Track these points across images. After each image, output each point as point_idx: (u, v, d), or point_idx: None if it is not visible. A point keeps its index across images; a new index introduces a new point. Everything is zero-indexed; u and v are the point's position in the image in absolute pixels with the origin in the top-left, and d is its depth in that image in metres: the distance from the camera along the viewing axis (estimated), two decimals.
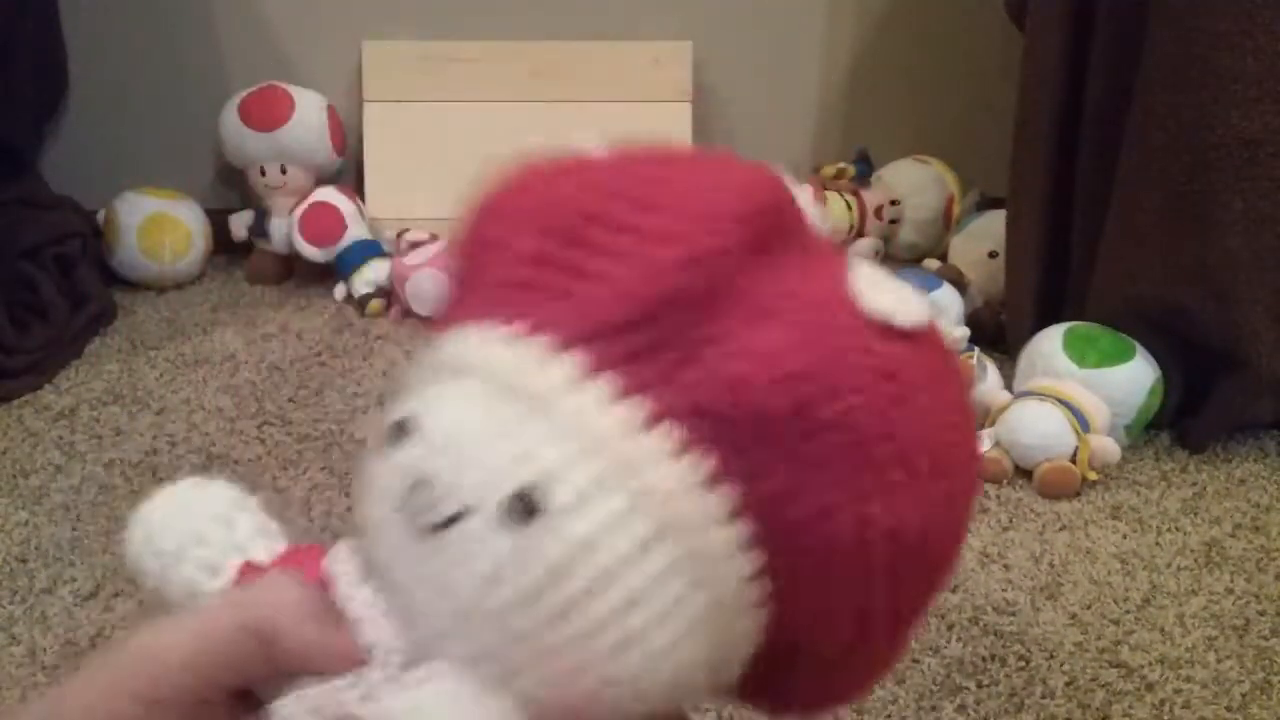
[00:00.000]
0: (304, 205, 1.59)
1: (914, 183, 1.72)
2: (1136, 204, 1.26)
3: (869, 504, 0.29)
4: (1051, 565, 1.08)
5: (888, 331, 0.30)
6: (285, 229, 1.61)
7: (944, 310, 1.39)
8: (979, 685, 0.93)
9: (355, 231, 1.59)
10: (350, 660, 0.30)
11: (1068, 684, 0.94)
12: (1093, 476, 1.19)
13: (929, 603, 0.33)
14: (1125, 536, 1.12)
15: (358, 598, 0.31)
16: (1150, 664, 0.96)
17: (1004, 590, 1.04)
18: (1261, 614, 1.03)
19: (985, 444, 1.20)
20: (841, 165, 1.70)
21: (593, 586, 0.29)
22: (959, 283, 1.53)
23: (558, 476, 0.29)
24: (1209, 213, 1.21)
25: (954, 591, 1.03)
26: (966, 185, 1.73)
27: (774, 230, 0.32)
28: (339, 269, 1.59)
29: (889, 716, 0.89)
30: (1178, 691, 0.93)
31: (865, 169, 1.73)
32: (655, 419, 0.29)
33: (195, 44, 1.66)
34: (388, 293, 1.56)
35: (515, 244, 0.33)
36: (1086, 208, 1.34)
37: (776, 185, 0.34)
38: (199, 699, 0.30)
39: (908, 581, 0.31)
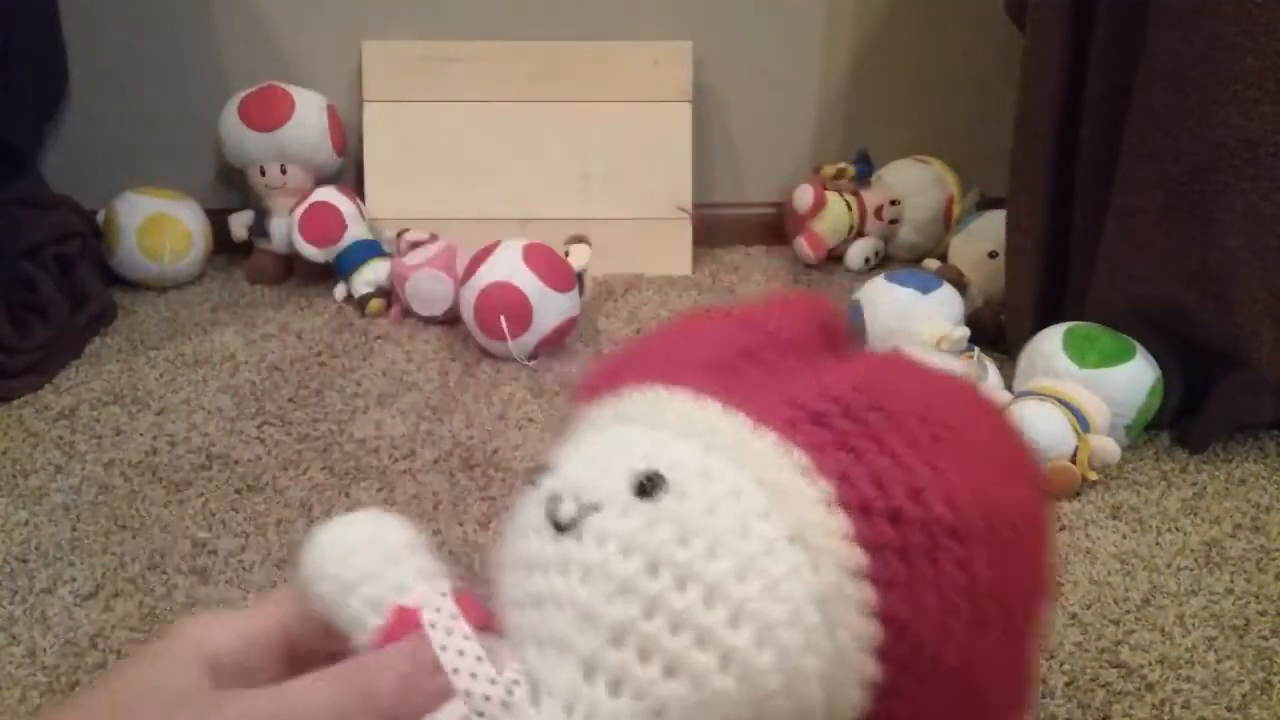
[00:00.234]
0: (304, 205, 1.59)
1: (914, 183, 1.73)
2: (1136, 204, 1.26)
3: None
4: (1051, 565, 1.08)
5: None
6: (285, 229, 1.61)
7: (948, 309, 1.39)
8: None
9: (355, 231, 1.59)
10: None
11: (1068, 684, 0.94)
12: (1093, 476, 1.19)
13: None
14: (1125, 536, 1.12)
15: (451, 646, 0.33)
16: (1150, 664, 0.96)
17: None
18: (1261, 614, 1.03)
19: None
20: (841, 165, 1.71)
21: (712, 550, 0.31)
22: (959, 283, 1.53)
23: (680, 461, 0.32)
24: (1209, 213, 1.21)
25: None
26: (966, 185, 1.73)
27: None
28: (339, 269, 1.59)
29: None
30: (1178, 691, 0.93)
31: (865, 169, 1.73)
32: (773, 435, 0.33)
33: (195, 44, 1.66)
34: (388, 293, 1.57)
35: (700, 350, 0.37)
36: (1086, 208, 1.34)
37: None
38: None
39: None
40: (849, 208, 1.70)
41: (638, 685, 0.31)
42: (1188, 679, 0.95)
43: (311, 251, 1.58)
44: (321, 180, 1.65)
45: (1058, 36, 1.29)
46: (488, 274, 1.41)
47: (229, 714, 0.31)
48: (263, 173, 1.61)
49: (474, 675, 0.32)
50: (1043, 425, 1.18)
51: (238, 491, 1.19)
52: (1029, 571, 0.33)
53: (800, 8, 1.70)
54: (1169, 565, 1.09)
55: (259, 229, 1.64)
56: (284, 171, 1.61)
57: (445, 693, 0.32)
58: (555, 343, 1.45)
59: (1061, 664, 0.96)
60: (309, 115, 1.60)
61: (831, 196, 1.69)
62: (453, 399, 1.36)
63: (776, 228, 1.77)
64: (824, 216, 1.69)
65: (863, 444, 0.32)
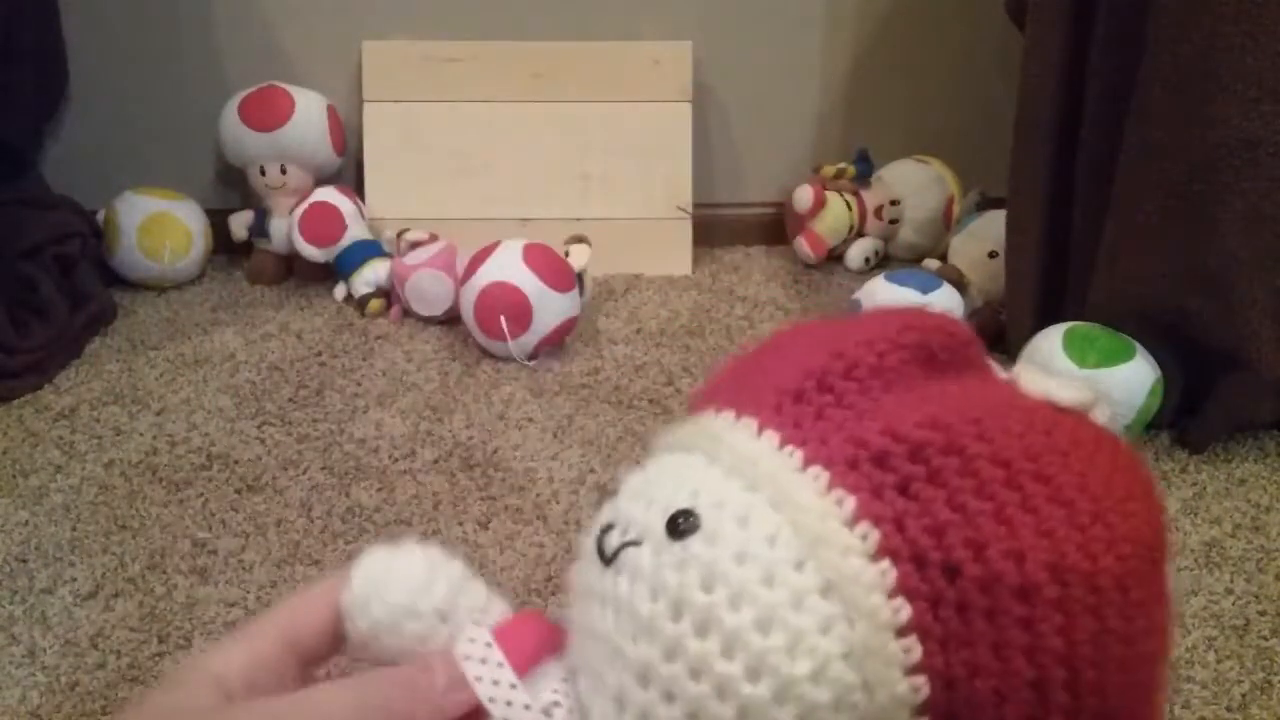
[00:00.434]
0: (304, 205, 1.59)
1: (914, 183, 1.72)
2: (1136, 204, 1.26)
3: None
4: None
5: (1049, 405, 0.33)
6: (285, 229, 1.61)
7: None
8: None
9: (355, 231, 1.59)
10: None
11: None
12: None
13: None
14: None
15: (486, 676, 0.33)
16: None
17: None
18: (1261, 614, 1.03)
19: None
20: (841, 165, 1.70)
21: (735, 599, 0.30)
22: (959, 283, 1.53)
23: (716, 500, 0.32)
24: (1209, 213, 1.21)
25: None
26: (966, 185, 1.73)
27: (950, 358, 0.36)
28: (339, 269, 1.59)
29: None
30: (1177, 691, 0.93)
31: (865, 169, 1.73)
32: (825, 476, 0.32)
33: (195, 44, 1.66)
34: (388, 293, 1.57)
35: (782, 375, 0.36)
36: (1086, 208, 1.34)
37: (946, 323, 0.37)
38: None
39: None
40: (849, 208, 1.70)
41: None
42: (1188, 679, 0.95)
43: (311, 251, 1.58)
44: (321, 180, 1.65)
45: (1058, 36, 1.29)
46: (488, 274, 1.41)
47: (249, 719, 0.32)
48: (263, 173, 1.61)
49: (509, 703, 0.32)
50: None
51: (238, 491, 1.19)
52: (1118, 639, 0.31)
53: (800, 8, 1.70)
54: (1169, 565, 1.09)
55: (259, 229, 1.64)
56: (284, 171, 1.61)
57: (470, 706, 0.33)
58: (555, 343, 1.45)
59: None
60: (309, 115, 1.60)
61: (831, 196, 1.69)
62: (453, 399, 1.36)
63: (776, 228, 1.77)
64: (824, 216, 1.69)
65: (926, 490, 0.31)
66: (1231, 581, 1.07)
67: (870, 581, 0.30)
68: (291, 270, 1.65)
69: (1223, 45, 1.15)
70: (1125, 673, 0.31)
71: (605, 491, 0.33)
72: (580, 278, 1.46)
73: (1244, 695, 0.94)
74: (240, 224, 1.66)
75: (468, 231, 1.56)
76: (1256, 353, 1.24)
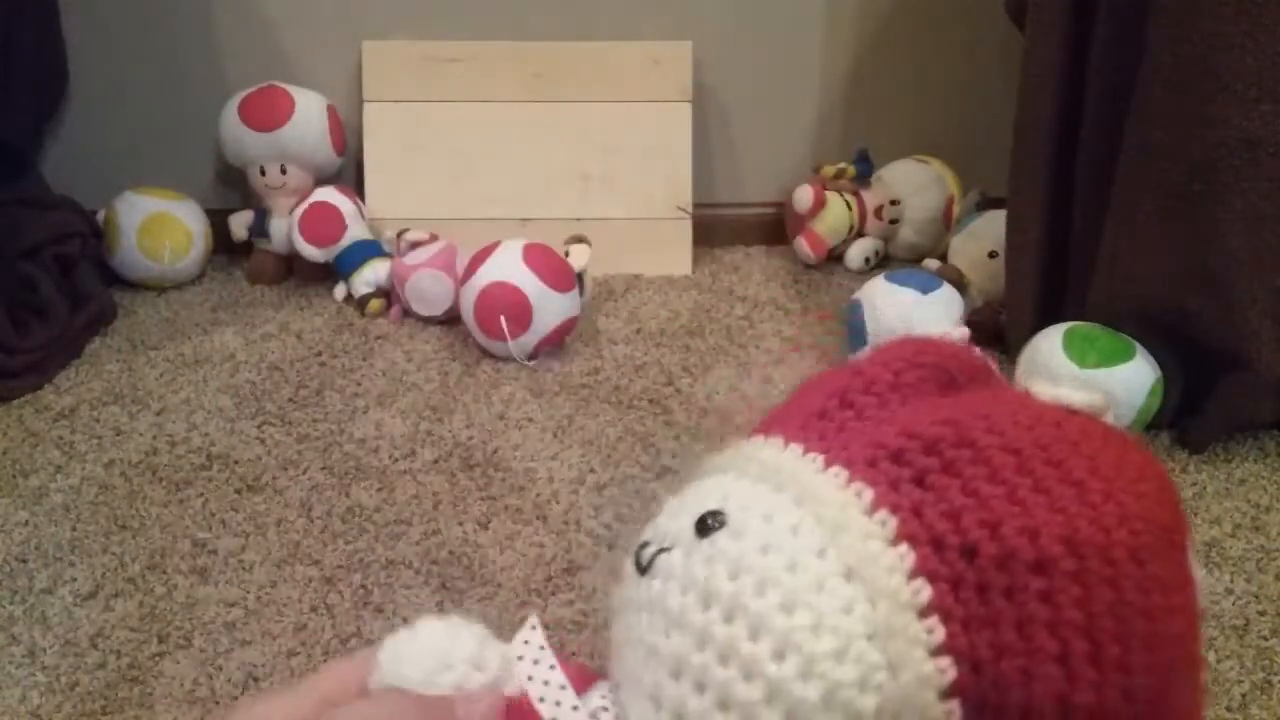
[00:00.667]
0: (304, 205, 1.59)
1: (914, 183, 1.72)
2: (1136, 204, 1.26)
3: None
4: None
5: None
6: (285, 229, 1.61)
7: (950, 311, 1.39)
8: None
9: (355, 231, 1.59)
10: None
11: None
12: None
13: None
14: None
15: (537, 676, 0.35)
16: None
17: None
18: (1261, 614, 1.03)
19: None
20: (841, 165, 1.70)
21: (761, 585, 0.31)
22: (959, 283, 1.53)
23: (743, 502, 0.33)
24: (1209, 213, 1.21)
25: None
26: (966, 185, 1.73)
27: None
28: (339, 269, 1.59)
29: None
30: None
31: (865, 169, 1.73)
32: (844, 474, 0.33)
33: (195, 44, 1.66)
34: (388, 293, 1.57)
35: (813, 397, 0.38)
36: (1086, 208, 1.34)
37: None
38: None
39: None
40: (849, 208, 1.70)
41: (696, 718, 0.31)
42: None
43: (311, 251, 1.58)
44: (321, 180, 1.65)
45: (1058, 36, 1.29)
46: (488, 274, 1.41)
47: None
48: (263, 173, 1.61)
49: (558, 703, 0.33)
50: None
51: (238, 491, 1.19)
52: (1138, 613, 0.31)
53: (800, 8, 1.70)
54: None
55: (259, 229, 1.64)
56: (284, 171, 1.61)
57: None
58: (555, 343, 1.45)
59: None
60: (309, 115, 1.60)
61: (831, 196, 1.69)
62: (453, 399, 1.36)
63: (776, 228, 1.77)
64: (824, 216, 1.69)
65: (941, 479, 0.32)
66: (1231, 581, 1.07)
67: (890, 564, 0.31)
68: (291, 270, 1.65)
69: (1223, 45, 1.15)
70: (1150, 650, 0.31)
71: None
72: (580, 278, 1.46)
73: (1244, 695, 0.94)
74: (240, 224, 1.66)
75: (468, 231, 1.56)
76: (1256, 353, 1.24)
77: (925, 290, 1.39)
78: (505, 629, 0.37)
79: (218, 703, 0.93)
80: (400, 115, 1.68)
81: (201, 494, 1.19)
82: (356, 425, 1.30)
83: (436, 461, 1.24)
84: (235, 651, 0.98)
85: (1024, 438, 0.33)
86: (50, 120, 1.65)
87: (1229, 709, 0.92)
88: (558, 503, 1.17)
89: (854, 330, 1.42)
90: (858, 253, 1.71)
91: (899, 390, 0.36)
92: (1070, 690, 0.30)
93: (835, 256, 1.73)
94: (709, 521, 0.33)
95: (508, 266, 1.40)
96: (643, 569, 0.34)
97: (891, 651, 0.31)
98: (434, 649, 0.37)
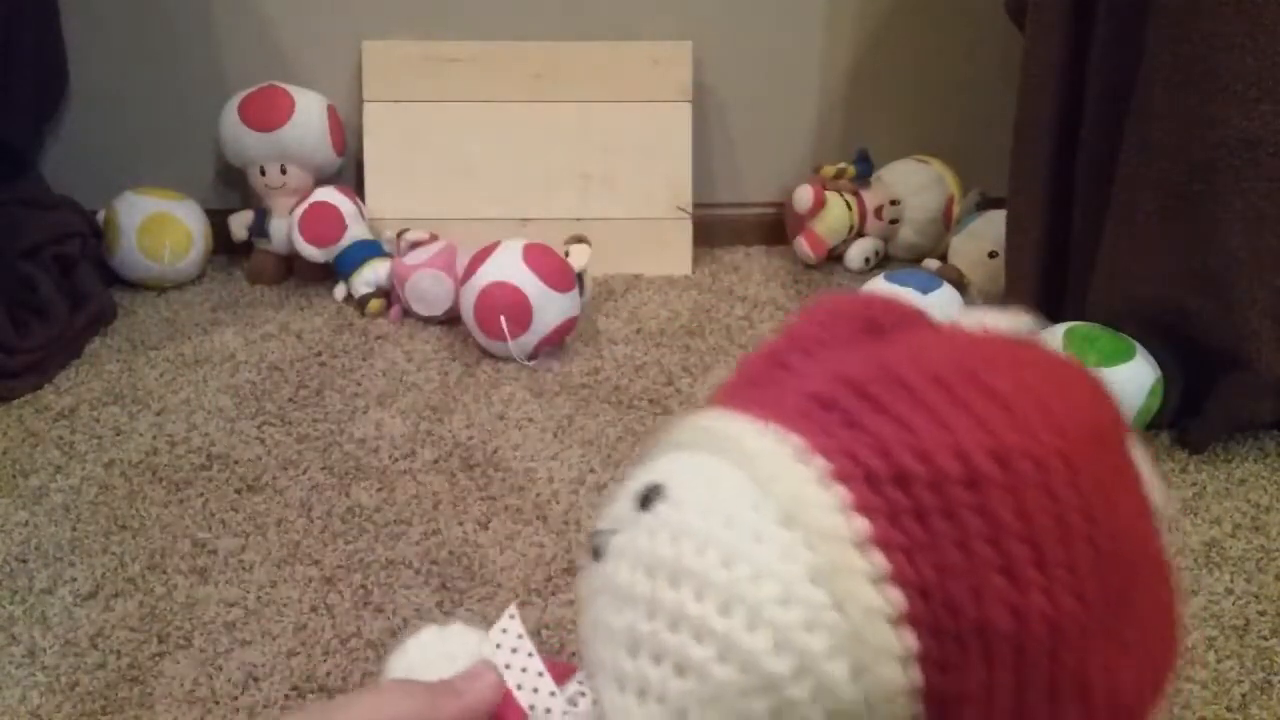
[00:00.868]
0: (304, 205, 1.59)
1: (914, 183, 1.72)
2: (1136, 204, 1.26)
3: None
4: None
5: None
6: (285, 229, 1.61)
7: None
8: None
9: (355, 231, 1.59)
10: None
11: None
12: None
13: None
14: None
15: (515, 664, 0.36)
16: None
17: None
18: (1261, 614, 1.03)
19: None
20: (841, 165, 1.71)
21: (701, 546, 0.32)
22: (959, 283, 1.53)
23: (678, 471, 0.34)
24: (1209, 213, 1.21)
25: None
26: (966, 185, 1.73)
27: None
28: (339, 269, 1.59)
29: None
30: (1178, 691, 0.93)
31: (865, 169, 1.73)
32: (776, 427, 0.33)
33: (195, 44, 1.66)
34: (388, 293, 1.57)
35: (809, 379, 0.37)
36: (1086, 208, 1.34)
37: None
38: None
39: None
40: (849, 208, 1.70)
41: (658, 690, 0.32)
42: (1188, 679, 0.95)
43: (311, 251, 1.58)
44: (321, 180, 1.65)
45: (1058, 36, 1.29)
46: (488, 274, 1.41)
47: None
48: (263, 173, 1.61)
49: (535, 690, 0.34)
50: None
51: (238, 491, 1.19)
52: (1078, 514, 0.31)
53: (800, 8, 1.70)
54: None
55: (259, 229, 1.64)
56: (284, 171, 1.61)
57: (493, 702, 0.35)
58: (555, 343, 1.45)
59: None
60: (309, 115, 1.60)
61: (831, 196, 1.69)
62: (453, 399, 1.36)
63: (776, 228, 1.77)
64: (824, 216, 1.69)
65: (870, 417, 0.32)
66: (1231, 581, 1.07)
67: (825, 504, 0.31)
68: (291, 270, 1.65)
69: (1223, 45, 1.15)
70: (1095, 548, 0.32)
71: (605, 495, 0.38)
72: (580, 278, 1.46)
73: (1244, 695, 0.94)
74: (240, 224, 1.66)
75: (468, 231, 1.56)
76: (1256, 353, 1.24)
77: (925, 290, 1.39)
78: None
79: (218, 703, 0.93)
80: (400, 115, 1.68)
81: (201, 494, 1.19)
82: (356, 425, 1.30)
83: (436, 461, 1.24)
84: (235, 651, 0.98)
85: (948, 365, 0.33)
86: (50, 120, 1.65)
87: (1229, 709, 0.92)
88: (558, 503, 1.17)
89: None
90: (858, 253, 1.71)
91: (827, 344, 0.36)
92: (1020, 599, 0.30)
93: (835, 256, 1.73)
94: (649, 496, 0.34)
95: (508, 266, 1.40)
96: (597, 555, 0.35)
97: (836, 589, 0.31)
98: (439, 651, 0.37)
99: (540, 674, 0.35)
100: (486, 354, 1.45)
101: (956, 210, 1.71)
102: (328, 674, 0.96)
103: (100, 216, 1.61)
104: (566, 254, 1.47)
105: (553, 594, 1.05)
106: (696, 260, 1.71)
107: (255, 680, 0.96)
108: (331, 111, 1.63)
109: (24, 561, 1.09)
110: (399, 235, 1.57)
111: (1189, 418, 1.29)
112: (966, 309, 0.39)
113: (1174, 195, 1.22)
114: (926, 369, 0.33)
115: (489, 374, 1.41)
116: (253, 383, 1.39)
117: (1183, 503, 1.18)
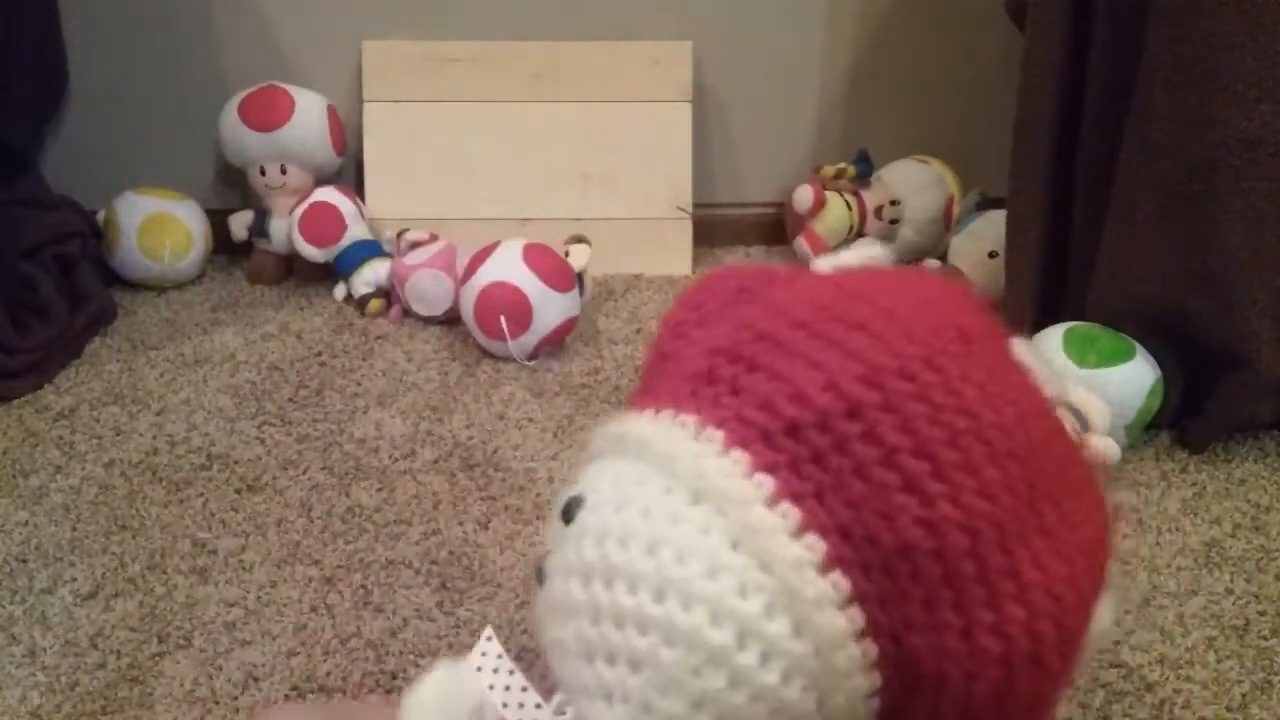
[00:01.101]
0: (304, 205, 1.59)
1: (914, 183, 1.72)
2: (1136, 204, 1.26)
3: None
4: None
5: None
6: (285, 229, 1.61)
7: None
8: None
9: (355, 231, 1.59)
10: None
11: None
12: None
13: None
14: (1125, 536, 1.12)
15: (498, 683, 0.37)
16: (1150, 664, 0.96)
17: None
18: (1261, 614, 1.03)
19: None
20: (841, 165, 1.70)
21: (624, 541, 0.33)
22: None
23: (589, 475, 0.35)
24: (1209, 213, 1.21)
25: None
26: (966, 185, 1.73)
27: None
28: (339, 269, 1.59)
29: None
30: (1178, 691, 0.93)
31: (865, 169, 1.73)
32: (668, 411, 0.35)
33: (195, 44, 1.66)
34: (388, 293, 1.57)
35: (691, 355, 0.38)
36: (1086, 208, 1.34)
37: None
38: None
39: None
40: (849, 208, 1.70)
41: (621, 689, 0.32)
42: (1188, 679, 0.95)
43: (311, 251, 1.58)
44: (321, 180, 1.65)
45: (1058, 36, 1.29)
46: (488, 274, 1.41)
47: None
48: (263, 173, 1.61)
49: (521, 705, 0.35)
50: None
51: (238, 491, 1.19)
52: (956, 412, 0.31)
53: (800, 8, 1.70)
54: (1169, 565, 1.09)
55: (259, 229, 1.64)
56: (284, 171, 1.61)
57: None
58: (555, 343, 1.45)
59: None
60: (309, 115, 1.60)
61: (831, 196, 1.69)
62: (453, 399, 1.36)
63: (776, 228, 1.77)
64: (824, 216, 1.69)
65: (748, 379, 0.33)
66: (1231, 581, 1.07)
67: (726, 471, 0.32)
68: (291, 270, 1.65)
69: (1223, 45, 1.15)
70: (988, 443, 0.32)
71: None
72: (580, 278, 1.46)
73: (1244, 695, 0.94)
74: (240, 224, 1.66)
75: (468, 231, 1.56)
76: (1256, 353, 1.24)
77: None
78: (506, 629, 0.38)
79: (218, 703, 0.93)
80: (400, 115, 1.68)
81: (201, 494, 1.19)
82: (356, 425, 1.30)
83: (436, 461, 1.24)
84: (235, 651, 0.98)
85: (806, 309, 0.34)
86: (50, 120, 1.65)
87: (1229, 709, 0.92)
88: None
89: None
90: None
91: (704, 324, 0.37)
92: (930, 512, 0.30)
93: None
94: (569, 509, 0.34)
95: (508, 266, 1.40)
96: (540, 580, 0.36)
97: (758, 550, 0.31)
98: (448, 693, 0.38)
99: (524, 689, 0.36)
100: (486, 354, 1.45)
101: (956, 210, 1.71)
102: (328, 674, 0.96)
103: (100, 216, 1.61)
104: (566, 254, 1.47)
105: None
106: (697, 260, 1.71)
107: (255, 680, 0.96)
108: (331, 111, 1.63)
109: (24, 561, 1.09)
110: (399, 235, 1.57)
111: (1189, 418, 1.29)
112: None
113: (1174, 195, 1.22)
114: (788, 317, 0.33)
115: (489, 374, 1.41)
116: (253, 383, 1.39)
117: (1183, 503, 1.18)
